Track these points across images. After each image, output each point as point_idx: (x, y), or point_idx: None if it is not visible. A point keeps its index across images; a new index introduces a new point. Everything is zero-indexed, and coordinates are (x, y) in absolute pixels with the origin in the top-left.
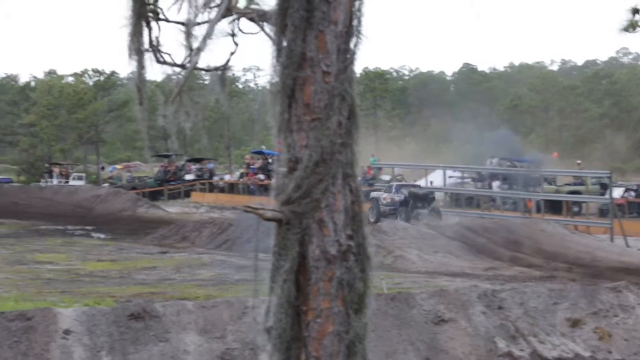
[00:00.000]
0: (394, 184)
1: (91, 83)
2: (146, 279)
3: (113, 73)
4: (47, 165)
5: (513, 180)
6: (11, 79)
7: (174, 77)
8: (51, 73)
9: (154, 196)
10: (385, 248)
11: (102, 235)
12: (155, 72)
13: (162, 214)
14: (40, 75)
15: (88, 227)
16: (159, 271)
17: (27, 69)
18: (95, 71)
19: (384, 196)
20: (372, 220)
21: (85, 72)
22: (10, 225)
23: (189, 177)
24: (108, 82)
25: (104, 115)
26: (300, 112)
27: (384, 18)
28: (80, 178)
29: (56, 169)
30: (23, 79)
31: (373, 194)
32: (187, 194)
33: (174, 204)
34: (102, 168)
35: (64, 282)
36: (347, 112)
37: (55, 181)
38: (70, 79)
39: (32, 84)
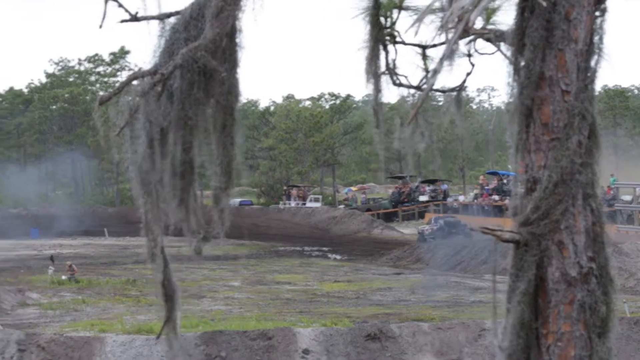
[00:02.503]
0: (435, 216)
1: (327, 106)
2: (381, 299)
3: (348, 96)
4: (285, 187)
5: None
6: (252, 104)
7: (408, 98)
8: (289, 97)
9: (389, 217)
10: (627, 270)
11: (338, 256)
12: (391, 94)
13: (397, 235)
14: (279, 100)
15: (324, 248)
16: (394, 292)
17: (267, 94)
18: (332, 95)
19: (426, 228)
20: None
21: (321, 96)
22: (252, 246)
23: (422, 198)
24: (344, 106)
25: (339, 138)
26: (538, 131)
27: (620, 34)
28: (317, 200)
29: (294, 192)
30: (263, 103)
31: (420, 228)
32: (421, 215)
33: (407, 225)
34: (337, 190)
35: (302, 302)
36: (588, 131)
37: (292, 203)
38: (308, 102)
39: (272, 108)
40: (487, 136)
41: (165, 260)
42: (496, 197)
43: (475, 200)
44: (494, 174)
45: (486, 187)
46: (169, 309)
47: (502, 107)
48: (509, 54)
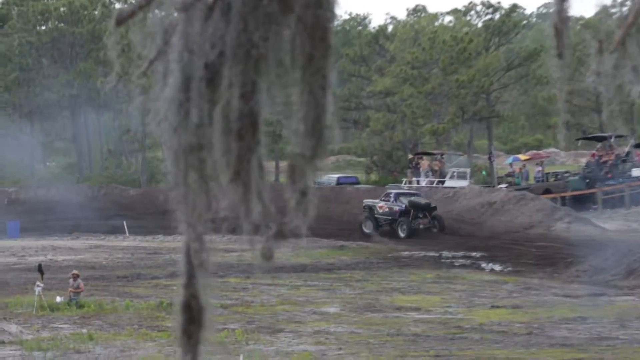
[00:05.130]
0: (392, 191)
1: (480, 24)
2: (569, 336)
3: (514, 8)
4: (411, 156)
5: None
6: (358, 22)
7: (614, 10)
8: (417, 11)
9: (581, 203)
10: None
11: (496, 267)
12: (584, 4)
13: (594, 232)
14: (402, 16)
15: (474, 254)
16: (590, 324)
17: (382, 7)
18: (487, 5)
19: (380, 204)
20: (366, 231)
21: (470, 7)
22: (357, 250)
23: (638, 172)
24: (507, 23)
25: (500, 76)
26: None
27: None
28: (462, 176)
29: (425, 162)
30: (376, 21)
31: (366, 202)
32: (637, 200)
33: (612, 216)
34: (494, 159)
35: (438, 341)
36: None
37: (423, 181)
38: (448, 18)
39: (390, 29)
40: None
41: (191, 266)
42: None
43: None
44: None
45: None
46: (190, 348)
47: None
48: None
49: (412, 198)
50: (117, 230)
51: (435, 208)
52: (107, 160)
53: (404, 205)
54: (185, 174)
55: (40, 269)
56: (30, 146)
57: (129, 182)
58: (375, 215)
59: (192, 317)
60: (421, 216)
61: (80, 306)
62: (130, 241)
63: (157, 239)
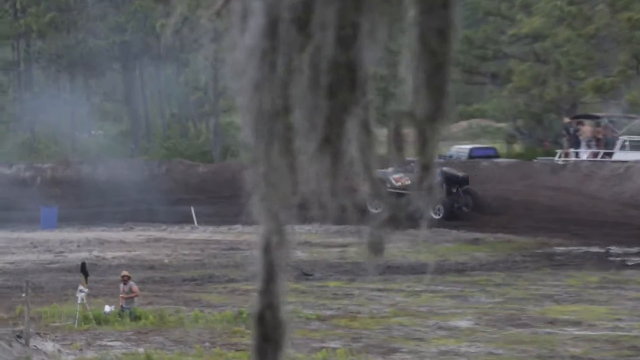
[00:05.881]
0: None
1: None
2: None
3: None
4: (566, 120)
5: None
6: None
7: None
8: None
9: None
10: None
11: None
12: None
13: None
14: None
15: None
16: None
17: None
18: None
19: (397, 176)
20: (374, 212)
21: None
22: (496, 244)
23: None
24: None
25: None
26: None
27: None
28: (637, 146)
29: (586, 129)
30: None
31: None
32: None
33: None
34: None
35: None
36: None
37: (584, 153)
38: None
39: None
40: None
41: (270, 267)
42: None
43: None
44: None
45: None
46: None
47: None
48: None
49: (445, 169)
50: (182, 219)
51: (467, 181)
52: (169, 127)
53: (438, 177)
54: (268, 145)
55: (83, 269)
56: (70, 109)
57: (198, 155)
58: (390, 191)
59: (268, 333)
60: (454, 192)
61: (135, 317)
62: (199, 233)
63: (235, 229)
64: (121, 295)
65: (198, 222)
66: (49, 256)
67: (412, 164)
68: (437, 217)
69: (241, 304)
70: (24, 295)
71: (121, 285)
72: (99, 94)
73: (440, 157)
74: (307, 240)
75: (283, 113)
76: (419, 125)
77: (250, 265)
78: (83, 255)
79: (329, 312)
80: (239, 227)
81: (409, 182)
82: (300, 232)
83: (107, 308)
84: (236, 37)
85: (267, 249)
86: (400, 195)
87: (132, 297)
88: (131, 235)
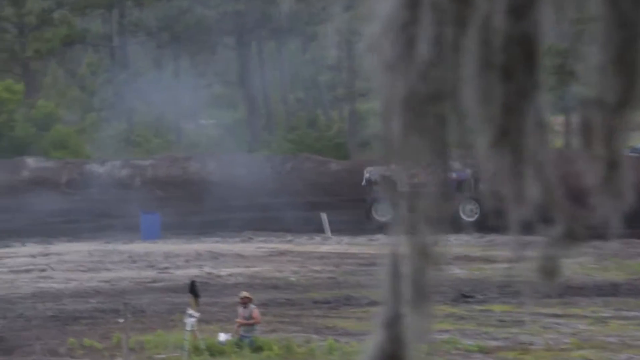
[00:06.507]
0: None
1: None
2: None
3: None
4: None
5: None
6: None
7: None
8: None
9: None
10: None
11: None
12: None
13: None
14: None
15: None
16: None
17: None
18: None
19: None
20: (380, 219)
21: None
22: None
23: None
24: None
25: None
26: None
27: None
28: None
29: None
30: None
31: (375, 172)
32: None
33: None
34: None
35: None
36: None
37: None
38: None
39: None
40: None
41: (398, 291)
42: None
43: None
44: None
45: None
46: None
47: None
48: None
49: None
50: (311, 227)
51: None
52: (294, 115)
53: (467, 173)
54: (408, 138)
55: (193, 289)
56: (174, 94)
57: (330, 149)
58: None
59: None
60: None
61: (257, 348)
62: (332, 244)
63: (376, 241)
64: (237, 320)
65: (331, 232)
66: (151, 273)
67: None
68: (470, 219)
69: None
70: (122, 320)
71: (240, 308)
72: (208, 75)
73: (633, 150)
74: (465, 253)
75: (428, 99)
76: (608, 112)
77: (380, 286)
78: (192, 272)
79: (493, 343)
80: (379, 238)
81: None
82: (456, 243)
83: (222, 336)
84: (372, 5)
85: (394, 268)
86: (415, 195)
87: (252, 325)
88: (250, 247)
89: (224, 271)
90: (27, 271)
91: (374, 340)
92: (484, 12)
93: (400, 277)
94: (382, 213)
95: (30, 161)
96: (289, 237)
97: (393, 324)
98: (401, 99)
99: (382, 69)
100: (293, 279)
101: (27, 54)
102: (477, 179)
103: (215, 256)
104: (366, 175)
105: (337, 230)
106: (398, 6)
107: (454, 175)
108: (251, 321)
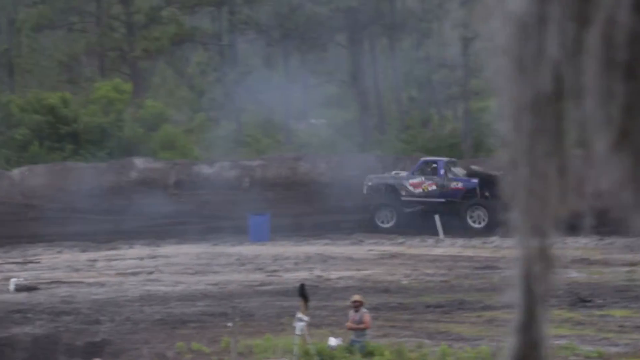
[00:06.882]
0: (432, 159)
1: None
2: None
3: None
4: None
5: None
6: None
7: None
8: None
9: None
10: None
11: None
12: None
13: None
14: None
15: None
16: None
17: None
18: None
19: (414, 181)
20: (383, 226)
21: None
22: None
23: None
24: None
25: None
26: None
27: None
28: None
29: None
30: None
31: (378, 179)
32: None
33: None
34: None
35: None
36: None
37: None
38: None
39: None
40: None
41: (531, 297)
42: None
43: None
44: None
45: None
46: None
47: None
48: None
49: (474, 167)
50: (425, 229)
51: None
52: (407, 115)
53: (473, 181)
54: (532, 142)
55: (303, 292)
56: (285, 93)
57: (445, 150)
58: (403, 199)
59: None
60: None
61: (368, 353)
62: (446, 247)
63: (491, 243)
64: (349, 323)
65: (444, 234)
66: (259, 276)
67: (433, 165)
68: (478, 225)
69: (501, 337)
70: (230, 324)
71: (351, 312)
72: (319, 73)
73: None
74: (584, 256)
75: (551, 100)
76: None
77: (507, 289)
78: (302, 275)
79: (614, 349)
80: (495, 241)
81: (434, 186)
82: (575, 246)
83: (332, 341)
84: (493, 0)
85: (528, 273)
86: (419, 201)
87: (363, 329)
88: (361, 250)
89: (333, 274)
90: (135, 274)
91: (508, 345)
92: (608, 7)
93: (534, 280)
94: (383, 220)
95: (138, 162)
96: (400, 240)
97: (527, 328)
98: (529, 100)
99: (512, 69)
100: (405, 282)
101: (136, 53)
102: (484, 186)
103: (324, 259)
104: (368, 183)
105: (450, 232)
106: (529, 3)
107: (459, 184)
108: (361, 326)
